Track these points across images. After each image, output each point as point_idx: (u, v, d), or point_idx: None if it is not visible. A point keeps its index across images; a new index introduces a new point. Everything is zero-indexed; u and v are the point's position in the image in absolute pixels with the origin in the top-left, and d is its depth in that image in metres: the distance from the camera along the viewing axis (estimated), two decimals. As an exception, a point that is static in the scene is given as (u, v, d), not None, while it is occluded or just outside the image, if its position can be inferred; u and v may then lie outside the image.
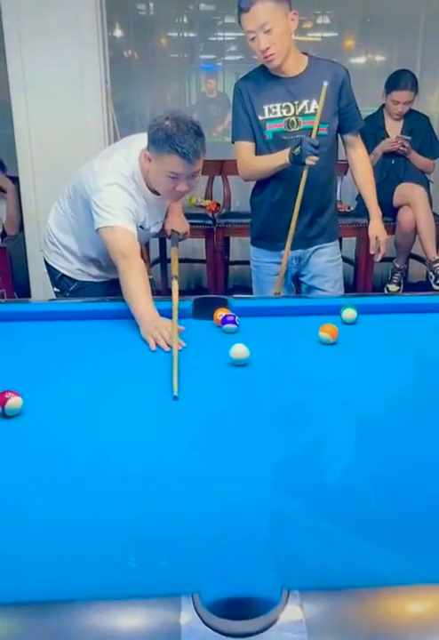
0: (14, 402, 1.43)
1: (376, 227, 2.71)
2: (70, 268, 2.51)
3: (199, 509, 1.12)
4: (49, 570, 0.98)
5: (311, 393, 1.59)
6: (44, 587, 0.93)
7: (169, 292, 2.18)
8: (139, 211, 2.26)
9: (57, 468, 1.26)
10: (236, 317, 1.94)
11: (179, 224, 2.62)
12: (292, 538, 1.05)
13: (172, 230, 2.57)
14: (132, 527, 1.08)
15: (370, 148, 3.85)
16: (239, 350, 1.73)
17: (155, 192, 2.28)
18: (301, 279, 2.77)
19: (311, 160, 2.36)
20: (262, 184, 2.63)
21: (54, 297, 2.58)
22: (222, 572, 0.96)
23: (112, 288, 2.48)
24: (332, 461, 1.30)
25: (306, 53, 2.56)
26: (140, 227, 2.30)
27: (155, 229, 2.45)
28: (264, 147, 2.53)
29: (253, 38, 2.36)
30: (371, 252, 2.74)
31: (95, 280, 2.54)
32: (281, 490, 1.19)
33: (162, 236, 2.74)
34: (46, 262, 2.59)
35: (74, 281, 2.50)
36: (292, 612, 0.85)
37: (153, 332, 1.91)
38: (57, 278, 2.55)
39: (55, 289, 2.59)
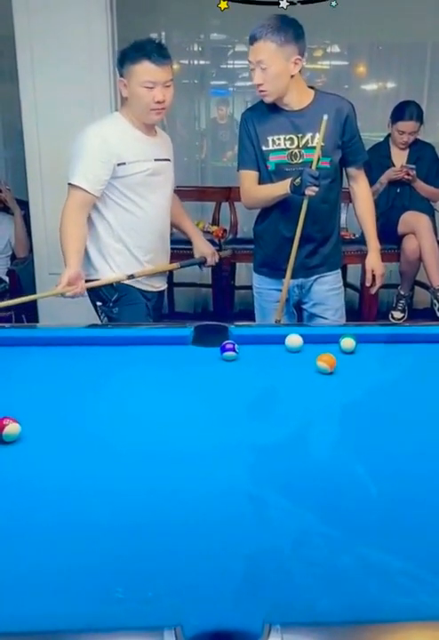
0: (12, 428, 1.44)
1: (373, 259, 2.74)
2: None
3: (184, 541, 1.12)
4: (37, 599, 0.98)
5: (305, 423, 1.58)
6: (32, 616, 0.94)
7: (176, 317, 2.29)
8: (112, 150, 2.46)
9: (49, 496, 1.26)
10: (235, 345, 1.95)
11: (205, 248, 2.89)
12: (278, 571, 1.04)
13: (201, 256, 2.86)
14: (120, 558, 1.08)
15: (376, 176, 3.90)
16: (294, 339, 1.99)
17: (143, 131, 2.54)
18: (303, 306, 2.80)
19: (311, 191, 2.41)
20: (265, 213, 2.68)
21: (97, 315, 2.69)
22: (205, 605, 0.95)
23: (154, 301, 2.69)
24: (324, 492, 1.28)
25: (313, 87, 2.62)
26: (122, 163, 2.47)
27: (147, 165, 2.54)
28: (267, 177, 2.59)
29: (252, 69, 2.46)
30: (367, 285, 2.78)
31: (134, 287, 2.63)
32: (268, 523, 1.19)
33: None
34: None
35: (115, 290, 2.58)
36: (274, 647, 0.86)
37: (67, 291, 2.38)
38: (96, 288, 2.62)
39: (98, 302, 2.64)
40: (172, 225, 2.90)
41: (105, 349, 2.03)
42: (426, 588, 1.01)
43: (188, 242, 2.97)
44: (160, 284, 2.78)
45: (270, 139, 2.55)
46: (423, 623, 0.93)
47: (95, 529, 1.16)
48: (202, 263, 2.93)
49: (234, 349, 1.94)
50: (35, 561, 1.07)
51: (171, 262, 2.86)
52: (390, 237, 3.96)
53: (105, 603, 0.98)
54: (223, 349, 1.95)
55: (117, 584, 1.01)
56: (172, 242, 2.88)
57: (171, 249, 2.86)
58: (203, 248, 2.90)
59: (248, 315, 3.24)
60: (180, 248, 3.20)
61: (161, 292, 2.84)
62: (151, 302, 2.71)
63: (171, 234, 2.87)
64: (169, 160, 2.67)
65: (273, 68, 2.40)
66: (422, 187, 4.10)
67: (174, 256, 2.94)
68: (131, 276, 2.58)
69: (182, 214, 2.95)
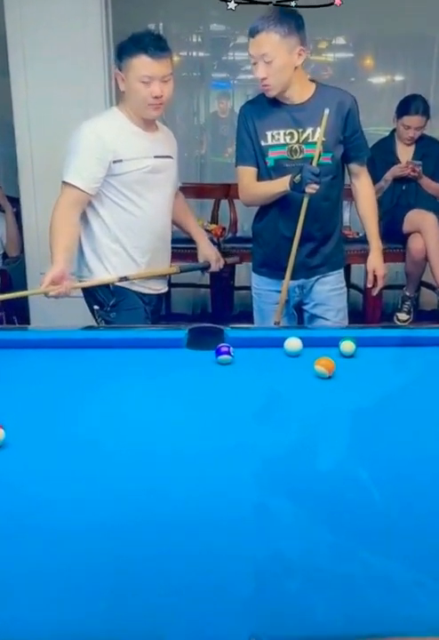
0: (-4, 433, 1.41)
1: (374, 260, 2.70)
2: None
3: (177, 543, 1.11)
4: (24, 614, 0.96)
5: (300, 429, 1.54)
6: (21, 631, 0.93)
7: (174, 319, 2.26)
8: (108, 147, 2.38)
9: (42, 498, 1.25)
10: (231, 348, 1.91)
11: (210, 252, 2.80)
12: (274, 582, 1.02)
13: (206, 260, 2.78)
14: (108, 572, 1.05)
15: (380, 172, 3.83)
16: (293, 343, 1.94)
17: (142, 127, 2.47)
18: (304, 308, 2.73)
19: (311, 188, 2.35)
20: (264, 211, 2.62)
21: (93, 318, 2.62)
22: (192, 615, 0.94)
23: (152, 304, 2.62)
24: (321, 496, 1.26)
25: (314, 80, 2.56)
26: (118, 160, 2.40)
27: (146, 162, 2.47)
28: (266, 173, 2.53)
29: (255, 63, 2.39)
30: (369, 286, 2.73)
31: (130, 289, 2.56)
32: (264, 530, 1.15)
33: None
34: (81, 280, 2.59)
35: (112, 294, 2.51)
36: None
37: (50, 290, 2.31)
38: (93, 291, 2.56)
39: (95, 306, 2.58)
40: (176, 224, 2.81)
41: (97, 352, 1.98)
42: (427, 591, 1.00)
43: (191, 241, 2.88)
44: (160, 287, 2.70)
45: (269, 134, 2.49)
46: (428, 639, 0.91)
47: (89, 533, 1.14)
48: (205, 269, 2.84)
49: (229, 353, 1.92)
50: (21, 576, 1.04)
51: (172, 263, 2.76)
52: (395, 236, 3.88)
53: (89, 614, 0.95)
54: (218, 353, 1.92)
55: (103, 592, 1.00)
56: (173, 241, 2.78)
57: (172, 249, 2.77)
58: (207, 252, 2.81)
59: (248, 316, 3.20)
60: (182, 248, 3.13)
61: (160, 295, 2.75)
62: (150, 306, 2.63)
63: (172, 232, 2.77)
64: (171, 157, 2.60)
65: (277, 60, 2.34)
66: (428, 184, 3.99)
67: (176, 256, 2.85)
68: (125, 278, 2.50)
69: (186, 212, 2.86)
